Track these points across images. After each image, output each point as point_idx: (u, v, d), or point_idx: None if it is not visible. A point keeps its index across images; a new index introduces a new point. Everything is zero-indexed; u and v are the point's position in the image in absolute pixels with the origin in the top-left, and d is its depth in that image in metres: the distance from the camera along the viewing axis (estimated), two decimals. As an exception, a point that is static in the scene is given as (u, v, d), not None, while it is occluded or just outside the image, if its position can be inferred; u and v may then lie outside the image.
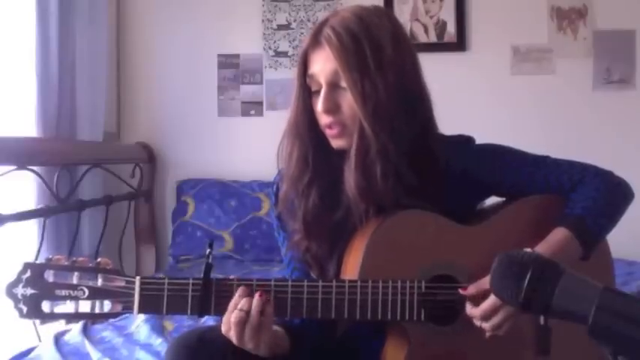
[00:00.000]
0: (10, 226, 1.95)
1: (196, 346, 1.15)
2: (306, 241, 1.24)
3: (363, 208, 1.20)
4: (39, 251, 2.11)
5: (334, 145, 1.22)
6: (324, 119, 1.20)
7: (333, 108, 1.18)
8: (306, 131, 1.23)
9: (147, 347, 1.81)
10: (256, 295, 1.09)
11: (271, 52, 3.15)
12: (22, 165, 2.04)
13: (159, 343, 1.83)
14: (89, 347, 1.81)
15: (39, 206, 2.20)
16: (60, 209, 2.28)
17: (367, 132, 1.15)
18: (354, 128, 1.18)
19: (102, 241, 2.62)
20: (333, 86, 1.18)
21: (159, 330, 1.92)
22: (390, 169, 1.17)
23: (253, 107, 3.17)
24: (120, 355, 1.78)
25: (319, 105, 1.18)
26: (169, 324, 1.98)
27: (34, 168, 2.13)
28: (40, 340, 1.96)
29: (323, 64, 1.18)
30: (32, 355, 1.79)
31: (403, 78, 1.18)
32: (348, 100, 1.17)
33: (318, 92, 1.20)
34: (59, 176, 2.24)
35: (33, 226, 2.21)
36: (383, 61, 1.16)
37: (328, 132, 1.21)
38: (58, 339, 1.87)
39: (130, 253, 3.02)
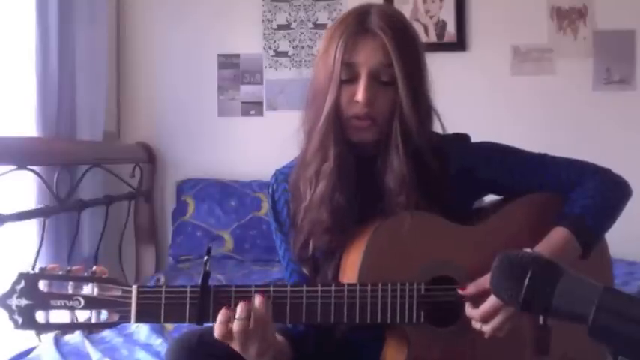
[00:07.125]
0: (10, 226, 1.95)
1: (196, 347, 1.16)
2: (327, 235, 1.20)
3: (404, 201, 1.18)
4: (39, 251, 2.11)
5: (356, 138, 1.20)
6: (356, 109, 1.17)
7: (372, 100, 1.16)
8: (338, 123, 1.18)
9: (147, 347, 1.81)
10: (257, 297, 1.07)
11: (271, 52, 3.15)
12: (22, 165, 2.03)
13: (159, 343, 1.83)
14: (89, 347, 1.81)
15: (39, 206, 2.20)
16: (60, 209, 2.27)
17: (409, 126, 1.16)
18: (382, 123, 1.17)
19: (102, 241, 2.61)
20: (373, 78, 1.16)
21: (159, 330, 1.92)
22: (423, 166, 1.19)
23: (253, 107, 3.17)
24: (120, 355, 1.78)
25: (359, 95, 1.15)
26: (169, 324, 1.98)
27: (34, 168, 2.12)
28: (40, 340, 1.96)
29: (370, 54, 1.15)
30: (32, 355, 1.79)
31: (427, 76, 1.22)
32: (385, 94, 1.16)
33: (349, 81, 1.17)
34: (59, 176, 2.24)
35: (33, 226, 2.20)
36: (421, 58, 1.21)
37: (357, 123, 1.18)
38: (58, 339, 1.87)
39: (130, 253, 3.02)
